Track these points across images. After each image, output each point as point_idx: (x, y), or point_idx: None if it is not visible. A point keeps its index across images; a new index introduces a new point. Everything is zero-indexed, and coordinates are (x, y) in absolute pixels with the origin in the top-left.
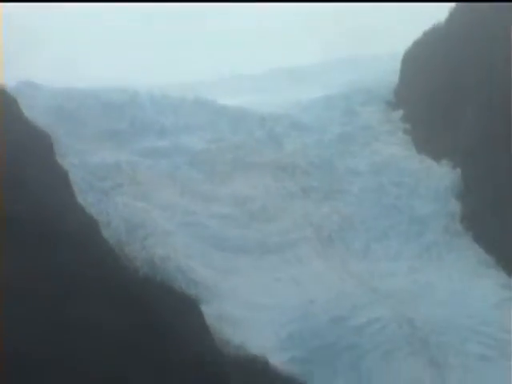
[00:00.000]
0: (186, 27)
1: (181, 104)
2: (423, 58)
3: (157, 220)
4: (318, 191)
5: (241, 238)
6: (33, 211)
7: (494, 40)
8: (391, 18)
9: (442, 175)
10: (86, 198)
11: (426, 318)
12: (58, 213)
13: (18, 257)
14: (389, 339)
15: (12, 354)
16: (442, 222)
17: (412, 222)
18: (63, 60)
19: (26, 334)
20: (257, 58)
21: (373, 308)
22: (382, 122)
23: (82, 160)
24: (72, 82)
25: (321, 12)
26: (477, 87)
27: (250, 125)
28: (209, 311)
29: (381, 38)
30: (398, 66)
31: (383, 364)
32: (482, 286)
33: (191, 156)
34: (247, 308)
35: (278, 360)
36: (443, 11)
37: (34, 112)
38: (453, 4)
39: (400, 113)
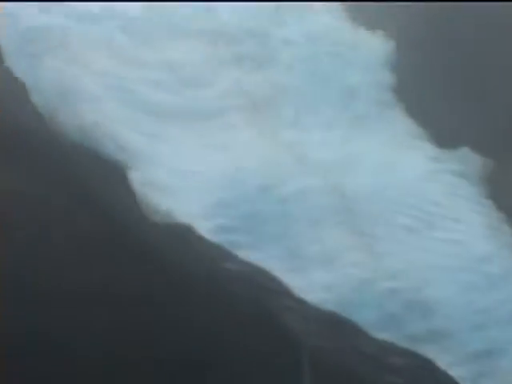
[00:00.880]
0: None
1: None
2: None
3: (88, 85)
4: (251, 60)
5: (171, 104)
6: None
7: None
8: None
9: (376, 46)
10: (16, 62)
11: (354, 188)
12: None
13: None
14: (316, 208)
15: None
16: (374, 92)
17: (344, 92)
18: None
19: None
20: None
21: (302, 177)
22: None
23: (12, 22)
24: None
25: None
26: None
27: None
28: (136, 177)
29: None
30: None
31: (310, 233)
32: (411, 157)
33: (125, 21)
34: (175, 175)
35: (204, 227)
36: None
37: None
38: None
39: None
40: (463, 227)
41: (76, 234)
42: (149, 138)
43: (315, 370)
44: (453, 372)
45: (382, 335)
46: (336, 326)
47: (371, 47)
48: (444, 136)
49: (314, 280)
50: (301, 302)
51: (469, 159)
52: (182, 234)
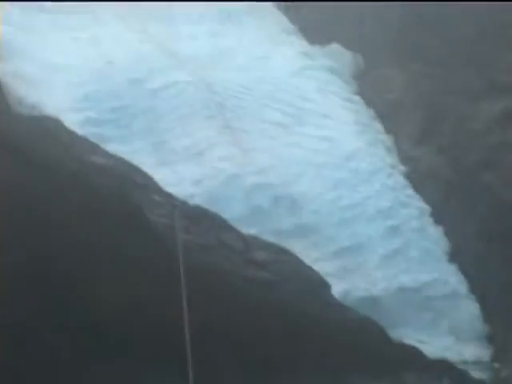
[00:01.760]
0: None
1: None
2: None
3: None
4: None
5: None
6: None
7: None
8: None
9: None
10: None
11: (224, 82)
12: None
13: None
14: (185, 103)
15: None
16: None
17: None
18: None
19: None
20: None
21: (171, 71)
22: None
23: None
24: None
25: None
26: None
27: None
28: (2, 68)
29: None
30: None
31: (179, 127)
32: (282, 53)
33: None
34: (43, 67)
35: (72, 120)
36: None
37: None
38: None
39: None
40: (333, 123)
41: None
42: (17, 29)
43: (181, 264)
44: (318, 267)
45: (249, 230)
46: (203, 220)
47: None
48: (316, 32)
49: (182, 174)
50: (168, 196)
51: (340, 55)
52: (49, 127)
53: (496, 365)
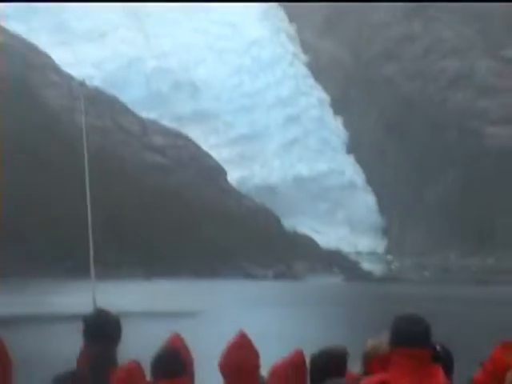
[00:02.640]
0: None
1: None
2: None
3: None
4: None
5: None
6: None
7: None
8: None
9: None
10: None
11: None
12: None
13: None
14: None
15: None
16: None
17: None
18: None
19: None
20: None
21: None
22: None
23: None
24: None
25: None
26: None
27: None
28: None
29: None
30: None
31: (80, 8)
32: None
33: None
34: None
35: None
36: None
37: None
38: None
39: None
40: (238, 10)
41: None
42: None
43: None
44: (216, 153)
45: (148, 114)
46: (101, 102)
47: None
48: None
49: (82, 56)
50: (66, 77)
51: None
52: None
53: (389, 257)
